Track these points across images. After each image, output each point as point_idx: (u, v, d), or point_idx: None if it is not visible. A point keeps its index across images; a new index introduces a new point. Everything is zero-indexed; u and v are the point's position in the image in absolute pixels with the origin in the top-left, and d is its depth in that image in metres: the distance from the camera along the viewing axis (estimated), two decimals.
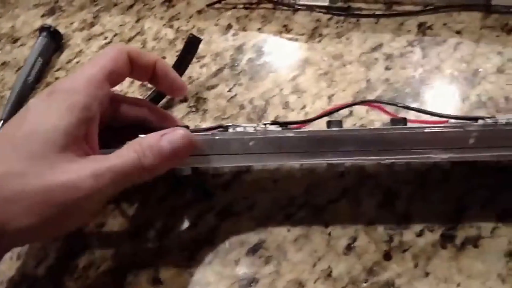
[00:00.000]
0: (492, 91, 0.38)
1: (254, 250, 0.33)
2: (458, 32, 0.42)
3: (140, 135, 0.30)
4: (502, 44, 0.40)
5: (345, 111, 0.39)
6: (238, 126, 0.32)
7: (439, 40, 0.42)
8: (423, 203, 0.33)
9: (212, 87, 0.43)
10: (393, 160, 0.30)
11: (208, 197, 0.36)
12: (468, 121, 0.29)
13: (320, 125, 0.34)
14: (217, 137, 0.31)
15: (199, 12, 0.49)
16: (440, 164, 0.34)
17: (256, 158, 0.31)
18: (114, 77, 0.32)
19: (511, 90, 0.37)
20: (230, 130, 0.32)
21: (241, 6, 0.48)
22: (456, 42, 0.41)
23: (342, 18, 0.45)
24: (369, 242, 0.32)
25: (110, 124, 0.34)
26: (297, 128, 0.33)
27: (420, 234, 0.32)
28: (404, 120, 0.32)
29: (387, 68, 0.41)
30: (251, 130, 0.31)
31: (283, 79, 0.42)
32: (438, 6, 0.44)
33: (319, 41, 0.44)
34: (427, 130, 0.29)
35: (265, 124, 0.32)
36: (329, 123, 0.33)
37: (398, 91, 0.39)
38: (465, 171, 0.34)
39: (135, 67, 0.33)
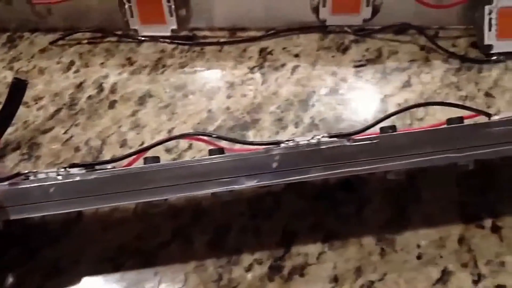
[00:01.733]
0: (325, 112, 0.38)
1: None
2: (296, 56, 0.42)
3: None
4: (337, 64, 0.41)
5: (184, 144, 0.37)
6: (39, 172, 0.30)
7: (278, 65, 0.42)
8: (254, 235, 0.32)
9: (48, 130, 0.40)
10: (204, 192, 0.29)
11: (31, 254, 0.33)
12: (271, 146, 0.29)
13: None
14: (13, 187, 0.29)
15: (42, 50, 0.47)
16: (272, 191, 0.34)
17: (57, 206, 0.29)
18: None
19: (342, 111, 0.38)
20: (31, 177, 0.30)
21: (85, 41, 0.46)
22: (293, 65, 0.41)
23: (186, 47, 0.44)
24: (199, 284, 0.31)
25: None
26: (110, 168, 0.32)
27: (249, 268, 0.31)
28: (221, 150, 0.31)
29: (228, 97, 0.40)
30: (53, 175, 0.29)
31: (122, 115, 0.40)
32: (279, 30, 0.44)
33: (162, 73, 0.43)
34: (231, 158, 0.29)
35: (64, 168, 0.30)
36: (145, 160, 0.31)
37: (238, 119, 0.38)
38: (293, 198, 0.33)
39: None
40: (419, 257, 0.30)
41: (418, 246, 0.30)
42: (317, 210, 0.32)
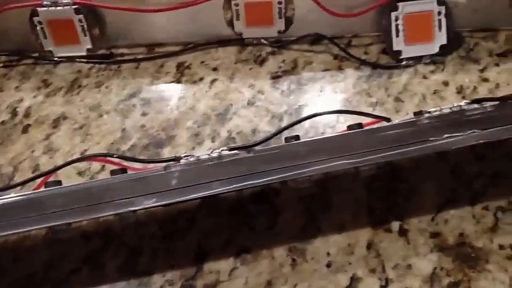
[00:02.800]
0: (242, 125, 0.38)
1: None
2: (215, 69, 0.42)
3: None
4: (254, 76, 0.42)
5: (96, 167, 0.36)
6: None
7: (196, 78, 0.42)
8: (166, 256, 0.31)
9: None
10: (102, 215, 0.28)
11: None
12: (170, 162, 0.29)
13: None
14: None
15: None
16: (185, 209, 0.33)
17: None
18: None
19: (258, 123, 0.38)
20: None
21: (1, 65, 0.45)
22: (212, 79, 0.41)
23: (103, 66, 0.43)
24: None
25: None
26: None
27: None
28: (124, 170, 0.30)
29: (143, 114, 0.40)
30: None
31: (36, 139, 0.39)
32: (198, 44, 0.44)
33: (78, 93, 0.42)
34: (128, 178, 0.28)
35: None
36: (46, 184, 0.30)
37: (153, 136, 0.38)
38: (206, 215, 0.33)
39: None
40: (328, 265, 0.30)
41: (328, 254, 0.31)
42: (231, 226, 0.32)
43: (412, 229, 0.31)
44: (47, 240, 0.33)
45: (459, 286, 0.28)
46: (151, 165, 0.31)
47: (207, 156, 0.29)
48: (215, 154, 0.29)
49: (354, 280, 0.30)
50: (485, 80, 0.40)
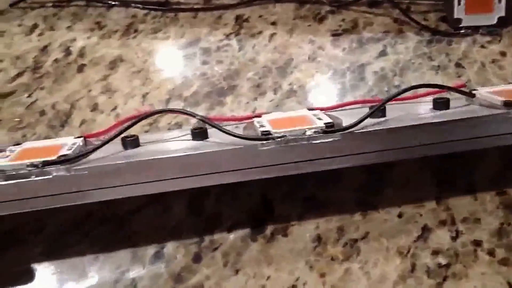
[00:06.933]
0: (303, 79, 0.38)
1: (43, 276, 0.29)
2: (273, 24, 0.42)
3: None
4: (313, 33, 0.41)
5: (158, 119, 0.36)
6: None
7: (255, 32, 0.41)
8: (232, 199, 0.31)
9: (9, 94, 0.37)
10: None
11: None
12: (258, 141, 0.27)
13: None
14: None
15: (1, 13, 0.44)
16: None
17: None
18: None
19: (320, 77, 0.38)
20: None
21: (50, 4, 0.44)
22: (270, 33, 0.41)
23: (159, 13, 0.43)
24: (178, 246, 0.30)
25: None
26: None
27: (230, 230, 0.30)
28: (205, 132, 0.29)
29: (203, 63, 0.39)
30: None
31: (92, 79, 0.38)
32: None
33: (134, 37, 0.41)
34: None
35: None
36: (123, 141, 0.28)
37: (215, 85, 0.38)
38: None
39: None
40: (399, 215, 0.31)
41: (399, 205, 0.31)
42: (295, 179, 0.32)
43: (478, 188, 0.32)
44: None
45: None
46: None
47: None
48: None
49: (425, 230, 0.30)
50: None
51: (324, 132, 0.27)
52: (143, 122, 0.34)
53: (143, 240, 0.30)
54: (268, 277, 0.28)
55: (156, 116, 0.35)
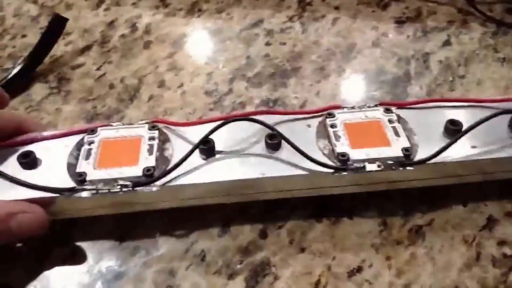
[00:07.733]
0: (368, 65, 0.38)
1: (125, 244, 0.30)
2: (336, 8, 0.42)
3: None
4: (377, 19, 0.41)
5: (223, 88, 0.37)
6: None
7: (318, 15, 0.41)
8: None
9: (78, 66, 0.38)
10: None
11: None
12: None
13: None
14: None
15: None
16: None
17: None
18: None
19: (384, 63, 0.38)
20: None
21: None
22: (334, 17, 0.41)
23: None
24: (244, 221, 0.31)
25: None
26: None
27: (295, 208, 0.31)
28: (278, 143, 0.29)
29: (267, 44, 0.39)
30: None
31: (158, 56, 0.39)
32: None
33: (198, 17, 0.42)
34: None
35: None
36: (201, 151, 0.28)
37: (278, 66, 0.38)
38: None
39: None
40: (464, 204, 0.31)
41: (463, 195, 0.31)
42: None
43: None
44: None
45: None
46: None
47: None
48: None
49: (491, 221, 0.30)
50: None
51: (401, 165, 0.28)
52: (208, 99, 0.35)
53: (212, 212, 0.31)
54: (334, 258, 0.29)
55: (220, 95, 0.36)
